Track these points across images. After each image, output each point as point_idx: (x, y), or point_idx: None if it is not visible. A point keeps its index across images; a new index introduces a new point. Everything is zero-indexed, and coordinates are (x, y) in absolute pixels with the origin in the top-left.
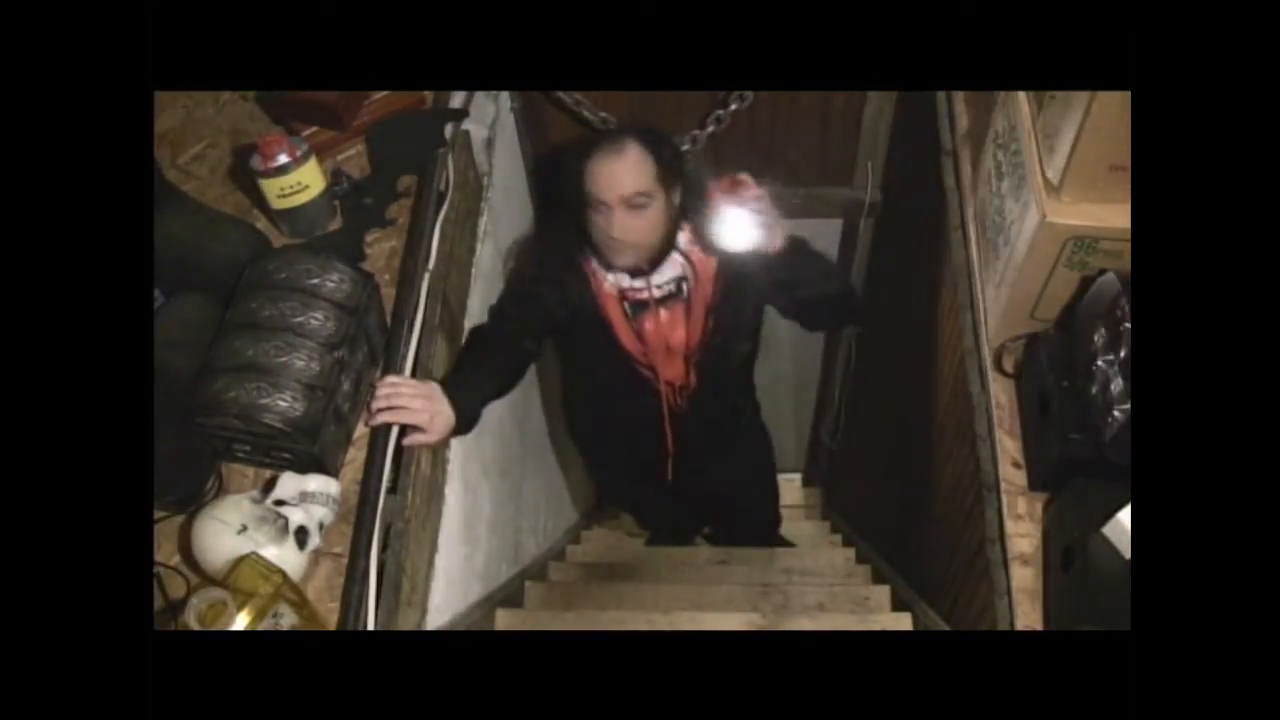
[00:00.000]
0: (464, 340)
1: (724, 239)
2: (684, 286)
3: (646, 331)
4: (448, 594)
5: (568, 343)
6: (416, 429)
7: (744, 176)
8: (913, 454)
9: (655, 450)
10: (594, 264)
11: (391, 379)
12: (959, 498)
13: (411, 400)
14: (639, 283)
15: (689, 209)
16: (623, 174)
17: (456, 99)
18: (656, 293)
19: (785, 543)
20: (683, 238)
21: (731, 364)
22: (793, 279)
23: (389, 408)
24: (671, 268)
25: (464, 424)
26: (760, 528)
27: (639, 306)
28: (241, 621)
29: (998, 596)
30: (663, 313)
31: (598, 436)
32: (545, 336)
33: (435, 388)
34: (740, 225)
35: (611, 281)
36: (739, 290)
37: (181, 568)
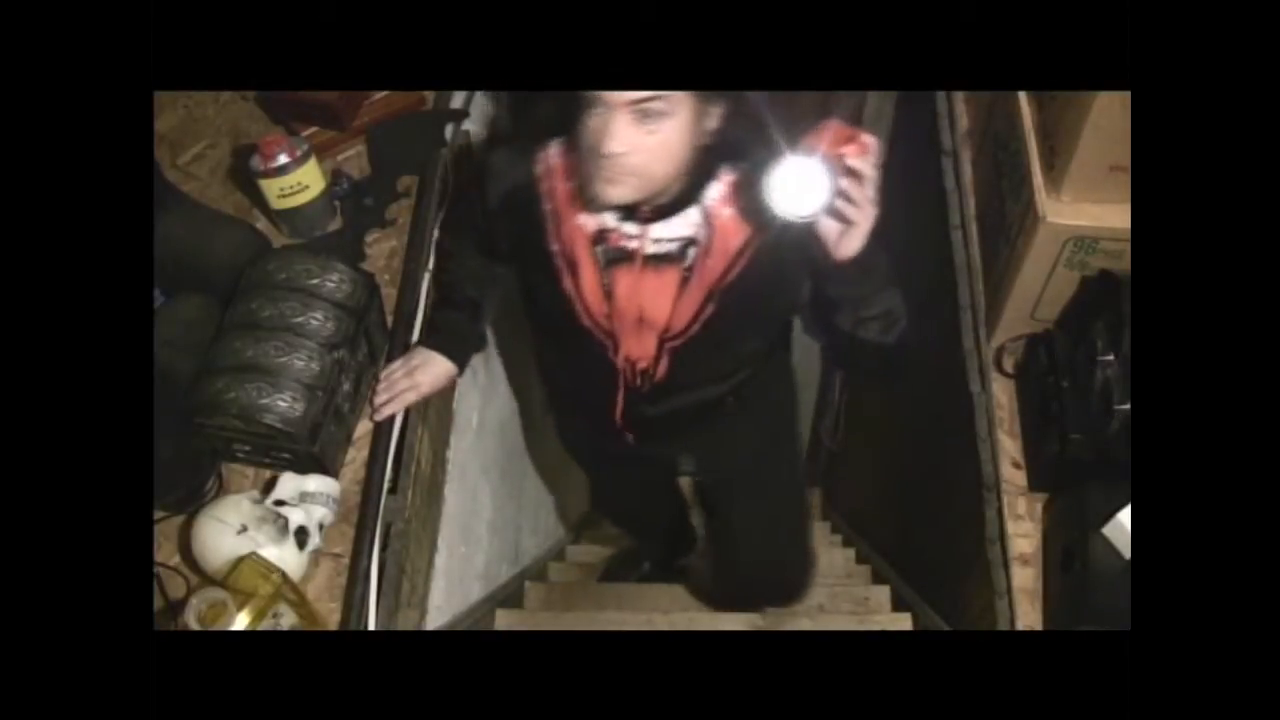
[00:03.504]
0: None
1: (781, 205)
2: (689, 252)
3: (617, 291)
4: (448, 594)
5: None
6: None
7: (868, 138)
8: (913, 454)
9: (607, 427)
10: (557, 166)
11: (384, 374)
12: (959, 498)
13: (404, 381)
14: (631, 226)
15: (738, 151)
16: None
17: (456, 99)
18: (651, 247)
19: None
20: (715, 189)
21: (726, 362)
22: (842, 301)
23: (389, 399)
24: (682, 223)
25: (464, 360)
26: (770, 569)
27: (617, 255)
28: (241, 621)
29: (998, 596)
30: (648, 274)
31: (553, 384)
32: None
33: (419, 351)
34: (813, 195)
35: (592, 210)
36: (767, 281)
37: (181, 568)
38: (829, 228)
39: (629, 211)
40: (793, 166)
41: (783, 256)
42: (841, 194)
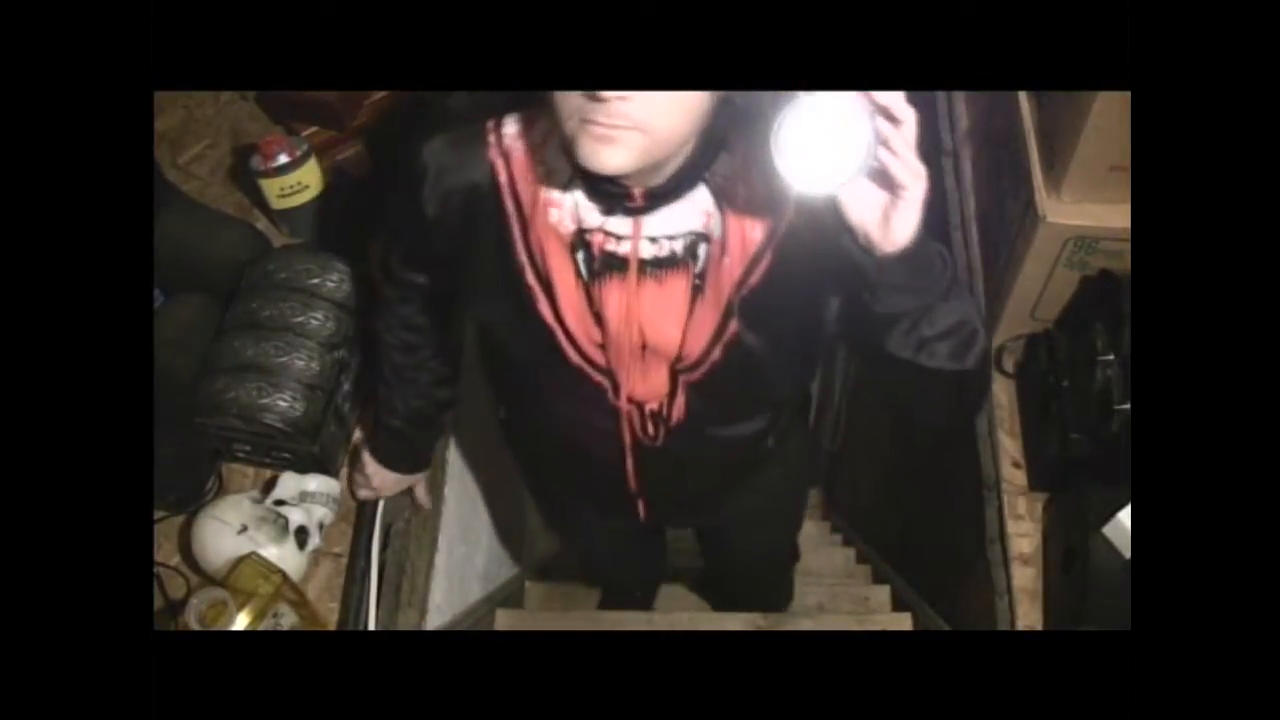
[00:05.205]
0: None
1: (803, 171)
2: (700, 250)
3: (609, 311)
4: (448, 594)
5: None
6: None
7: (900, 100)
8: (913, 454)
9: (616, 490)
10: (518, 148)
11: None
12: (959, 498)
13: (366, 492)
14: (619, 222)
15: (748, 116)
16: None
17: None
18: (648, 249)
19: (768, 599)
20: (726, 162)
21: (759, 392)
22: (896, 319)
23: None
24: (687, 212)
25: (419, 467)
26: (756, 574)
27: (607, 263)
28: (241, 621)
29: (998, 596)
30: (648, 286)
31: (531, 445)
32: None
33: (369, 463)
34: (848, 150)
35: (565, 205)
36: (803, 285)
37: (181, 568)
38: (868, 205)
39: (615, 201)
40: (814, 110)
41: (823, 247)
42: (884, 144)
